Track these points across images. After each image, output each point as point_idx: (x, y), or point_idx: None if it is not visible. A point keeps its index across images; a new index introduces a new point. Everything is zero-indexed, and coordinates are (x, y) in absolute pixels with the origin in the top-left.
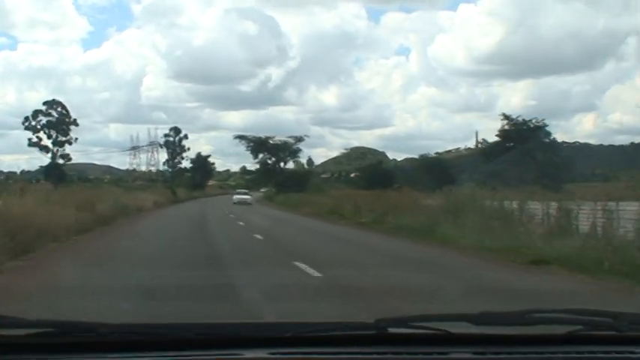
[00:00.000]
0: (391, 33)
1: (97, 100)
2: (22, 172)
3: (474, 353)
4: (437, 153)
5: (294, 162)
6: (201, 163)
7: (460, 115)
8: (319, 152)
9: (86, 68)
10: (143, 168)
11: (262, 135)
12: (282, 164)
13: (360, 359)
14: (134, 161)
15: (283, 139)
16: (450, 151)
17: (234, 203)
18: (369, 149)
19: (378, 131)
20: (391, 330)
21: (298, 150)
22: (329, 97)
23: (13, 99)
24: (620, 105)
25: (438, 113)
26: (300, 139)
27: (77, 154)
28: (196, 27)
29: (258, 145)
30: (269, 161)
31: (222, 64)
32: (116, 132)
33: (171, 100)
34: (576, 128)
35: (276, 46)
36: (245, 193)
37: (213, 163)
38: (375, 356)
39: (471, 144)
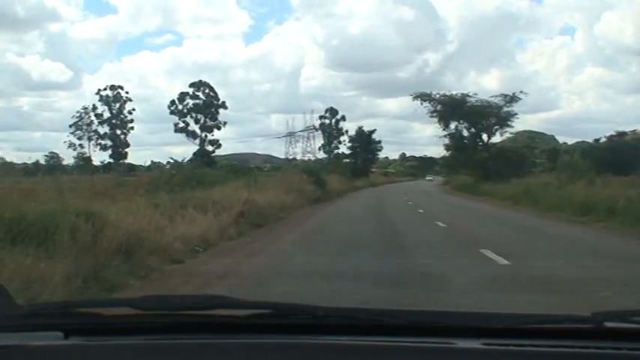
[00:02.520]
0: (555, 12)
1: (258, 92)
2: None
3: None
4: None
5: (501, 134)
6: (364, 141)
7: (632, 96)
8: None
9: (248, 61)
10: (299, 157)
11: (455, 92)
12: (484, 137)
13: (577, 353)
14: (291, 149)
15: (486, 98)
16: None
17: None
18: (537, 132)
19: (542, 115)
20: (608, 324)
21: (510, 115)
22: (490, 80)
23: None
24: None
25: (607, 94)
26: (513, 99)
27: (240, 144)
28: (352, 15)
29: (449, 107)
30: (465, 133)
31: (378, 51)
32: (276, 122)
33: (329, 89)
34: None
35: (433, 31)
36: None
37: (378, 142)
38: (592, 350)
39: None
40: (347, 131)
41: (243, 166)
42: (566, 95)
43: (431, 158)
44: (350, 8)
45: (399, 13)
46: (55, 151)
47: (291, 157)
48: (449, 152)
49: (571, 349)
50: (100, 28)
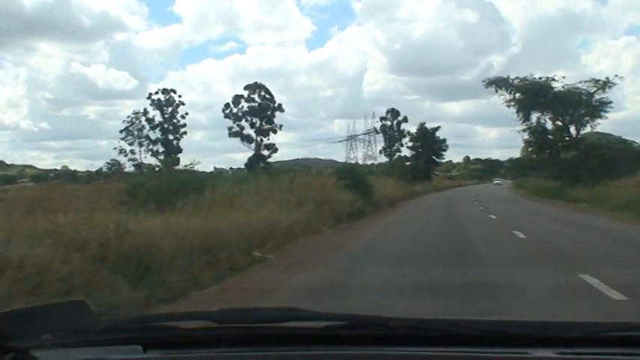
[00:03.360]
0: (620, 12)
1: (321, 97)
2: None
3: None
4: None
5: (592, 127)
6: (427, 139)
7: None
8: None
9: (311, 67)
10: (360, 161)
11: (537, 76)
12: (572, 131)
13: None
14: (352, 153)
15: (571, 83)
16: None
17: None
18: (604, 134)
19: (608, 115)
20: None
21: (603, 104)
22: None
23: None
24: None
25: None
26: (606, 84)
27: (303, 149)
28: (415, 19)
29: (530, 95)
30: (548, 125)
31: (441, 55)
32: (339, 127)
33: (392, 93)
34: None
35: (497, 33)
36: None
37: (443, 140)
38: None
39: None
40: (409, 132)
41: (287, 170)
42: (632, 96)
43: (496, 160)
44: (412, 12)
45: (461, 16)
46: (117, 159)
47: (352, 161)
48: (529, 150)
49: None
50: (165, 37)
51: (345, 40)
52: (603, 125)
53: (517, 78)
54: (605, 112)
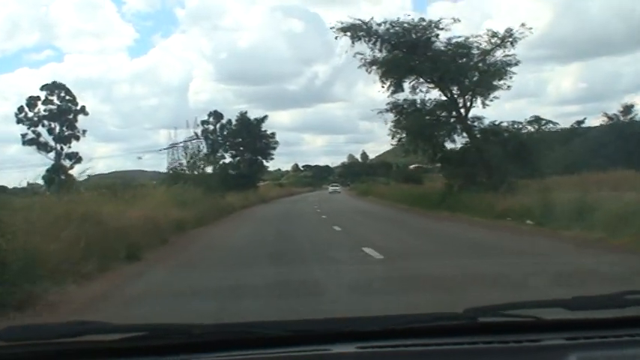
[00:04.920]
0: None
1: (145, 106)
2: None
3: (566, 339)
4: None
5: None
6: (251, 132)
7: (510, 102)
8: (369, 147)
9: (134, 76)
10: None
11: (412, 20)
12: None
13: (451, 350)
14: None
15: (462, 39)
16: None
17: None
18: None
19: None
20: (481, 319)
21: (505, 65)
22: (377, 91)
23: None
24: None
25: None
26: (508, 39)
27: (129, 162)
28: (240, 27)
29: (403, 52)
30: (416, 103)
31: (269, 64)
32: (165, 137)
33: (219, 102)
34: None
35: (322, 43)
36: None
37: (272, 135)
38: (465, 346)
39: None
40: (227, 124)
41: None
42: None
43: (326, 167)
44: (237, 21)
45: (287, 25)
46: None
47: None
48: (402, 137)
49: (444, 346)
50: None
51: (169, 48)
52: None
53: (385, 22)
54: (509, 76)
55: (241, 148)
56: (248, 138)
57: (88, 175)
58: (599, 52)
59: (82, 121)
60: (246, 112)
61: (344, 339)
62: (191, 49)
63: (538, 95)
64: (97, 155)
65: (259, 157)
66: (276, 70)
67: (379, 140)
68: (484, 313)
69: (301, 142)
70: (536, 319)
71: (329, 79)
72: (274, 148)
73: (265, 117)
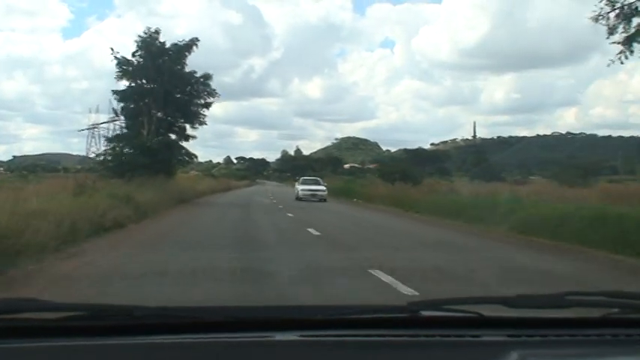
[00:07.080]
0: (377, 25)
1: (76, 89)
2: None
3: (508, 336)
4: (432, 144)
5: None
6: (168, 74)
7: (444, 108)
8: (303, 144)
9: (66, 57)
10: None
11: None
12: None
13: (392, 342)
14: (95, 145)
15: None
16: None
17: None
18: (361, 139)
19: (361, 124)
20: (424, 313)
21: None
22: (313, 88)
23: None
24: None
25: (422, 106)
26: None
27: (56, 144)
28: (176, 15)
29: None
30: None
31: (203, 54)
32: (95, 121)
33: None
34: (558, 122)
35: (259, 37)
36: (315, 183)
37: (206, 79)
38: (406, 338)
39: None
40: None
41: None
42: (384, 106)
43: (262, 160)
44: (174, 7)
45: (225, 16)
46: None
47: (92, 155)
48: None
49: (386, 338)
50: None
51: (103, 32)
52: (351, 132)
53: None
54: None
55: (146, 101)
56: (163, 82)
57: (13, 156)
58: (534, 65)
59: (10, 102)
60: (156, 32)
61: (287, 327)
62: (126, 33)
63: (471, 103)
64: (26, 136)
65: (182, 121)
66: (211, 60)
67: (313, 138)
68: (427, 306)
69: (234, 134)
70: (479, 315)
71: (264, 74)
72: (208, 106)
73: (194, 42)
